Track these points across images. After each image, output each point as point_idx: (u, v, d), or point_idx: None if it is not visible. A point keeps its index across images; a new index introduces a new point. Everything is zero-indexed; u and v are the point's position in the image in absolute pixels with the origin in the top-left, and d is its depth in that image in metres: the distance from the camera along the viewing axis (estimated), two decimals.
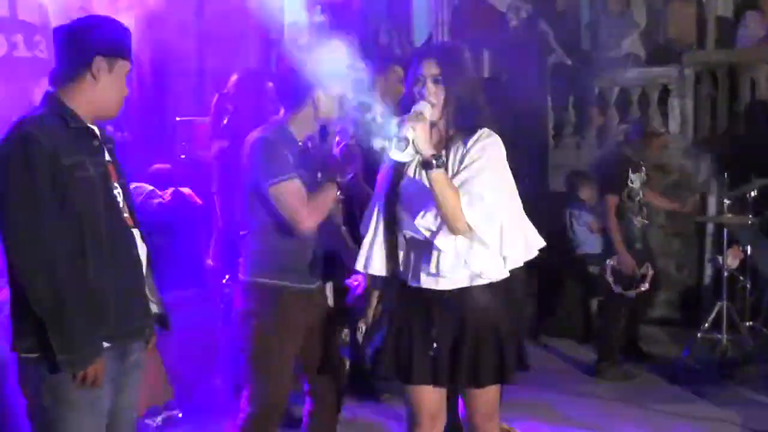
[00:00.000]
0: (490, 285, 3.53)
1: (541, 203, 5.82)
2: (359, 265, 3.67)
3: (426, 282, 3.53)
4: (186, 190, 6.73)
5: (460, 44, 3.63)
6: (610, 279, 7.08)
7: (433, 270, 3.47)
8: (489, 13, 10.58)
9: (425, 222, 3.42)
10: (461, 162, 3.44)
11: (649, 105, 9.47)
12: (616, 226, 7.02)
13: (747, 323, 7.38)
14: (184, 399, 6.01)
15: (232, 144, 5.08)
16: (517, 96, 7.86)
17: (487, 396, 3.62)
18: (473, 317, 3.52)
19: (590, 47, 10.42)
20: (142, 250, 3.23)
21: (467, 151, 3.44)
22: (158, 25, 11.14)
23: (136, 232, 3.22)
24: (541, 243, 3.61)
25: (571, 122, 9.97)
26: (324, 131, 4.20)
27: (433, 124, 3.50)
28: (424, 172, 3.39)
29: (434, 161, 3.29)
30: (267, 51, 12.92)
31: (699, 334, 7.30)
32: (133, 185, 6.71)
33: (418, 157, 3.41)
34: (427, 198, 3.39)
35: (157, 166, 7.25)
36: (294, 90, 4.03)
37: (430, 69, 3.47)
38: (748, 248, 7.44)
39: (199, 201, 6.56)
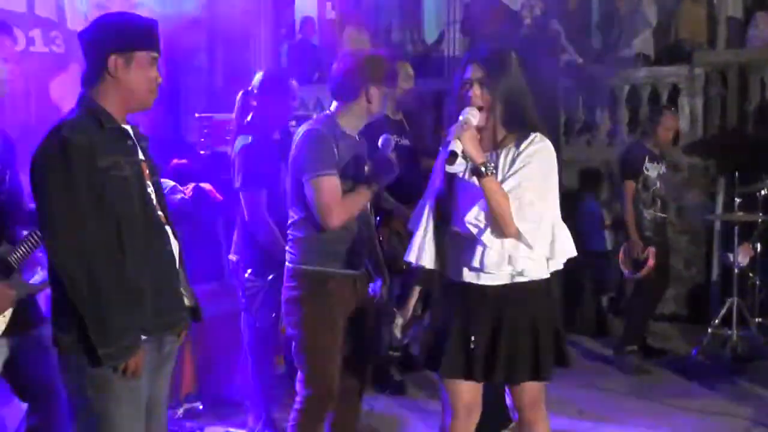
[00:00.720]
0: (530, 283, 3.60)
1: None
2: (411, 257, 3.75)
3: (467, 276, 3.61)
4: (206, 186, 6.80)
5: (507, 48, 3.66)
6: (620, 260, 7.24)
7: (476, 264, 3.54)
8: (502, 12, 10.66)
9: (474, 219, 3.50)
10: (512, 164, 3.51)
11: (659, 104, 9.53)
12: (631, 210, 7.17)
13: (757, 319, 7.45)
14: (204, 391, 6.11)
15: (255, 140, 5.17)
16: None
17: (530, 387, 3.70)
18: (511, 314, 3.59)
19: (601, 46, 10.48)
20: (175, 246, 3.31)
21: (518, 155, 3.50)
22: (169, 21, 11.25)
23: (169, 228, 3.30)
24: (574, 252, 3.68)
25: (581, 120, 10.05)
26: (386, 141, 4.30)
27: (482, 128, 3.56)
28: (474, 178, 3.46)
29: (484, 169, 3.39)
30: (277, 47, 13.01)
31: (709, 330, 7.38)
32: None
33: (468, 164, 3.48)
34: (477, 196, 3.48)
35: (176, 161, 7.31)
36: (348, 83, 4.17)
37: (476, 72, 3.53)
38: (758, 246, 7.51)
39: (219, 196, 6.63)
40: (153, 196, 3.25)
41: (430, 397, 6.05)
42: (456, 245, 3.65)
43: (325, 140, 4.08)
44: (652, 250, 7.11)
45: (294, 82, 5.40)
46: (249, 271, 5.23)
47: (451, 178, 3.61)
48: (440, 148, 3.59)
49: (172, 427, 5.07)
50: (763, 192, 7.37)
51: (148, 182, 3.24)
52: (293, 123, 7.05)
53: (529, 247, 3.48)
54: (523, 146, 3.51)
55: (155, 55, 3.21)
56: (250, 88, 5.38)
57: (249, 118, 5.31)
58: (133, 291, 3.09)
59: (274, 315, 5.29)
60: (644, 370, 7.11)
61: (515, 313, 3.58)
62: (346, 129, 4.20)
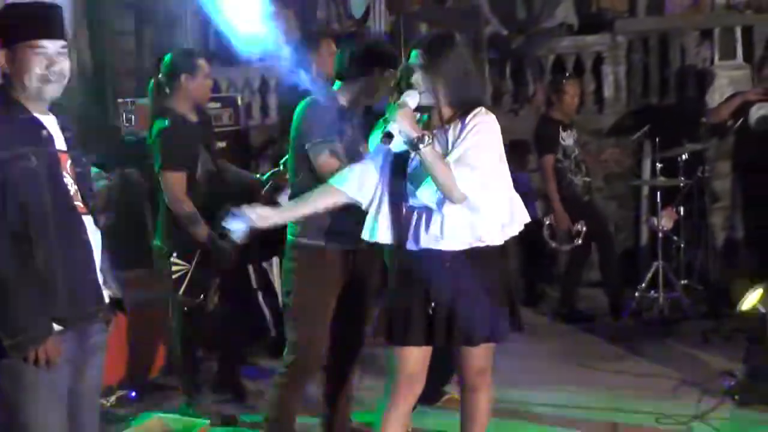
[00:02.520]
0: (487, 248, 3.72)
1: None
2: (365, 235, 3.88)
3: (426, 242, 3.71)
4: (131, 171, 6.74)
5: (451, 31, 3.83)
6: (547, 234, 7.34)
7: (436, 233, 3.68)
8: None
9: (429, 193, 3.64)
10: (458, 137, 3.65)
11: (584, 72, 9.63)
12: (554, 183, 7.36)
13: (682, 282, 7.58)
14: (139, 378, 6.07)
15: (171, 122, 5.14)
16: None
17: (481, 352, 3.85)
18: (469, 278, 3.70)
19: (525, 17, 10.50)
20: (94, 236, 3.27)
21: (464, 127, 3.64)
22: (96, 4, 11.08)
23: (88, 218, 3.25)
24: (528, 217, 3.86)
25: (508, 91, 10.10)
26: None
27: (429, 108, 3.73)
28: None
29: (418, 142, 3.52)
30: (206, 26, 12.87)
31: (636, 294, 7.49)
32: None
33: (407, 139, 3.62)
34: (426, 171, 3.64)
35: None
36: (350, 63, 4.30)
37: (418, 58, 3.69)
38: (681, 209, 7.63)
39: (143, 181, 6.58)
40: (71, 186, 3.20)
41: None
42: (412, 217, 3.77)
43: (327, 110, 4.26)
44: (581, 223, 7.24)
45: (202, 61, 5.36)
46: (174, 254, 5.21)
47: (401, 154, 3.75)
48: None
49: (105, 416, 5.03)
50: (684, 156, 7.48)
51: (66, 173, 3.19)
52: (212, 105, 7.03)
53: (476, 210, 3.60)
54: (467, 119, 3.66)
55: (42, 43, 3.10)
56: (159, 75, 5.33)
57: (164, 102, 5.27)
58: (42, 281, 3.05)
59: (201, 297, 5.30)
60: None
61: (473, 277, 3.69)
62: (347, 106, 4.35)
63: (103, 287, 3.32)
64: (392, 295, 3.88)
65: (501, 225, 3.73)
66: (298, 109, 4.34)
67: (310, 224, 4.26)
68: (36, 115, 3.16)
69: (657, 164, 7.55)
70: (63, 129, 3.24)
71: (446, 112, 3.73)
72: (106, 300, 3.35)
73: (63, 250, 3.11)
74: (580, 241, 7.33)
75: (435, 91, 3.69)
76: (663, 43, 9.43)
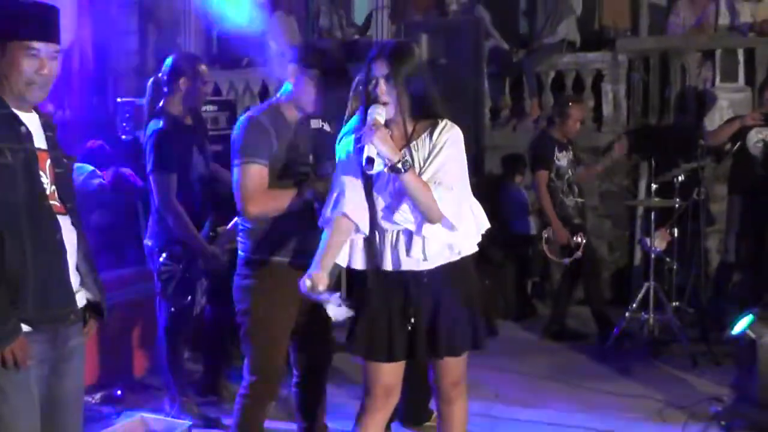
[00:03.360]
0: (462, 261, 3.76)
1: (477, 185, 5.94)
2: (341, 261, 3.81)
3: (407, 265, 3.71)
4: (126, 171, 6.73)
5: (409, 42, 3.83)
6: (545, 248, 7.33)
7: (419, 256, 3.68)
8: None
9: (406, 215, 3.63)
10: (429, 154, 3.62)
11: (583, 89, 9.63)
12: (548, 198, 7.32)
13: (673, 303, 7.54)
14: (124, 377, 6.06)
15: (165, 124, 5.13)
16: (454, 79, 7.94)
17: (458, 363, 3.86)
18: (449, 291, 3.74)
19: (528, 33, 10.54)
20: (70, 236, 3.20)
21: (433, 145, 3.62)
22: (100, 2, 11.10)
23: (64, 219, 3.18)
24: (487, 224, 3.87)
25: (507, 105, 10.10)
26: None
27: (391, 121, 3.66)
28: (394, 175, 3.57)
29: (401, 166, 3.49)
30: (208, 29, 12.88)
31: (627, 314, 7.45)
32: (75, 165, 6.72)
33: (386, 162, 3.55)
34: (401, 191, 3.60)
35: (90, 143, 7.24)
36: (284, 69, 4.23)
37: (381, 69, 3.60)
38: (675, 231, 7.61)
39: (139, 181, 6.57)
40: (48, 185, 3.13)
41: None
42: (389, 240, 3.73)
43: (259, 127, 4.10)
44: (581, 235, 7.24)
45: (204, 67, 5.37)
46: (163, 255, 5.20)
47: (369, 177, 3.68)
48: (353, 151, 3.68)
49: (89, 414, 5.01)
50: (680, 178, 7.46)
51: (44, 172, 3.12)
52: (210, 108, 7.04)
53: (453, 229, 3.62)
54: (435, 135, 3.63)
55: (35, 45, 3.05)
56: (160, 74, 5.33)
57: (161, 103, 5.27)
58: (11, 280, 2.99)
59: (189, 299, 5.28)
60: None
61: (451, 288, 3.73)
62: (288, 116, 4.21)
63: (80, 289, 3.26)
64: (369, 312, 3.80)
65: (471, 235, 3.79)
66: (236, 125, 4.23)
67: (263, 239, 4.20)
68: (16, 112, 3.10)
69: (652, 185, 7.51)
70: (45, 128, 3.18)
71: (410, 125, 3.68)
72: (82, 302, 3.27)
73: (34, 249, 3.05)
74: (580, 254, 7.30)
75: (400, 103, 3.62)
76: (664, 63, 9.44)
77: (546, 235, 7.40)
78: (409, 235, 3.68)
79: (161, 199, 5.09)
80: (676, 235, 7.63)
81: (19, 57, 3.04)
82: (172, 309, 5.29)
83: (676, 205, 7.47)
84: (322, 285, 3.65)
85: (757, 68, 8.99)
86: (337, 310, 3.72)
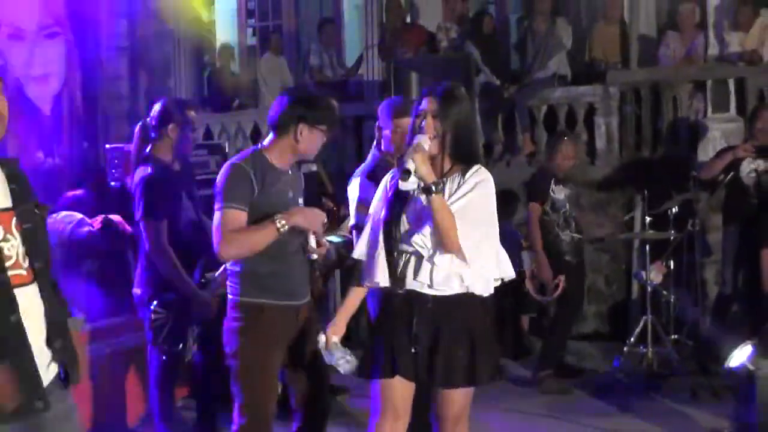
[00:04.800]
0: (467, 296, 3.88)
1: None
2: (370, 281, 4.01)
3: (414, 286, 3.89)
4: (116, 218, 6.75)
5: (460, 85, 4.02)
6: (528, 282, 7.34)
7: (424, 280, 3.86)
8: (418, 34, 10.74)
9: (424, 239, 3.83)
10: (457, 190, 3.84)
11: (576, 123, 9.68)
12: (538, 231, 7.27)
13: (672, 336, 7.56)
14: (118, 426, 6.05)
15: (154, 171, 5.16)
16: None
17: (458, 398, 3.95)
18: (450, 322, 3.87)
19: (518, 68, 10.61)
20: (35, 310, 2.89)
21: (464, 182, 3.86)
22: (90, 47, 11.17)
23: (28, 289, 2.87)
24: (512, 274, 4.05)
25: (500, 141, 10.14)
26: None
27: (434, 157, 3.88)
28: (424, 196, 3.79)
29: (434, 187, 3.73)
30: (199, 74, 12.96)
31: (625, 348, 7.47)
32: (63, 213, 6.75)
33: (420, 183, 3.79)
34: (426, 218, 3.81)
35: (71, 192, 7.29)
36: (279, 116, 4.30)
37: (431, 104, 3.87)
38: (671, 263, 7.63)
39: (128, 228, 6.59)
40: (14, 247, 2.84)
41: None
42: (403, 262, 3.92)
43: (240, 173, 4.20)
44: (561, 278, 7.19)
45: (193, 112, 5.41)
46: (154, 303, 5.21)
47: (402, 199, 3.91)
48: (394, 172, 4.00)
49: None
50: (674, 209, 7.49)
51: (7, 232, 2.83)
52: (199, 152, 7.08)
53: (466, 262, 3.79)
54: (468, 175, 3.87)
55: None
56: (148, 118, 5.37)
57: (149, 149, 5.30)
58: None
59: (180, 346, 5.28)
60: (563, 390, 7.15)
61: (454, 321, 3.87)
62: (275, 162, 4.31)
63: (56, 357, 2.95)
64: (377, 333, 4.02)
65: (488, 279, 3.91)
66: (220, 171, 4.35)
67: (253, 282, 4.28)
68: None
69: (646, 217, 7.55)
70: (10, 179, 2.89)
71: (447, 163, 3.92)
72: (52, 376, 2.94)
73: None
74: (554, 296, 7.29)
75: (443, 141, 3.87)
76: (656, 95, 9.52)
77: (531, 269, 7.40)
78: (420, 259, 3.86)
79: (152, 245, 5.11)
80: (672, 267, 7.67)
81: None
82: (164, 357, 5.29)
83: (671, 237, 7.50)
84: (337, 336, 4.00)
85: (748, 98, 9.04)
86: (347, 366, 4.01)
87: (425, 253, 3.84)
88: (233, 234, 4.15)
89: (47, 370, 2.91)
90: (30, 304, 2.85)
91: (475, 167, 3.88)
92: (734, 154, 7.43)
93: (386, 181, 4.08)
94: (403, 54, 10.24)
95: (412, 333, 3.89)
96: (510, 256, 8.48)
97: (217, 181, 4.28)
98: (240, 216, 4.18)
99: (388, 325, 3.98)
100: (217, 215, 4.20)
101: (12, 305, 2.77)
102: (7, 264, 2.79)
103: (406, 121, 4.34)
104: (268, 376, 4.32)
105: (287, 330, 4.36)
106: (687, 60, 9.66)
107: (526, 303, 8.70)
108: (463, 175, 3.87)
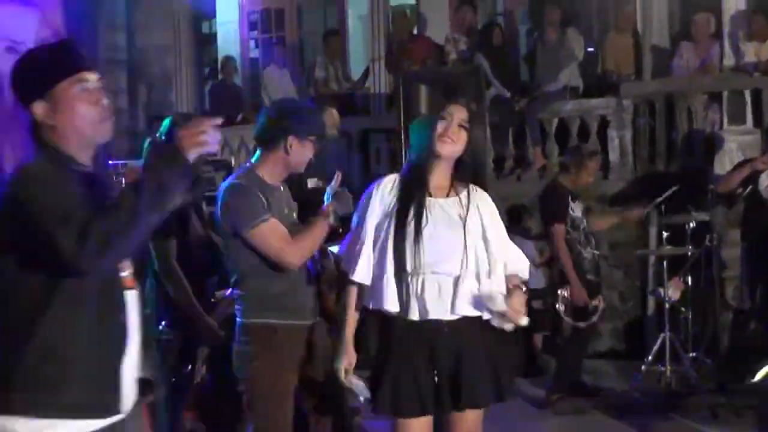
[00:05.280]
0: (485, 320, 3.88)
1: None
2: (374, 304, 3.92)
3: (435, 313, 3.82)
4: None
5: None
6: (561, 309, 7.26)
7: (447, 306, 3.81)
8: (425, 46, 10.80)
9: (452, 266, 3.81)
10: (467, 210, 3.88)
11: (588, 136, 9.72)
12: (568, 255, 7.16)
13: (690, 354, 7.56)
14: None
15: None
16: None
17: (474, 418, 3.92)
18: (472, 343, 3.85)
19: (529, 80, 10.65)
20: (136, 316, 2.96)
21: (471, 201, 3.91)
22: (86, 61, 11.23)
23: (133, 294, 2.94)
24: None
25: (511, 155, 10.19)
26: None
27: (446, 160, 3.87)
28: (445, 219, 3.84)
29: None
30: (200, 87, 13.04)
31: (643, 367, 7.47)
32: None
33: (434, 201, 3.85)
34: (450, 242, 3.80)
35: None
36: (266, 132, 4.31)
37: (460, 112, 3.84)
38: (689, 279, 7.64)
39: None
40: None
41: None
42: (419, 285, 3.83)
43: (249, 190, 4.18)
44: (601, 298, 7.19)
45: None
46: (163, 323, 5.23)
47: (418, 221, 3.84)
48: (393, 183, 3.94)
49: None
50: (691, 224, 7.50)
51: None
52: (205, 168, 7.09)
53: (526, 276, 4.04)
54: (473, 193, 3.93)
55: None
56: (158, 134, 5.39)
57: None
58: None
59: (189, 367, 5.31)
60: (578, 410, 7.16)
61: (474, 341, 3.85)
62: (267, 179, 4.29)
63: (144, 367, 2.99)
64: (394, 365, 3.88)
65: (504, 296, 3.87)
66: (221, 196, 4.28)
67: (258, 304, 4.27)
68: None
69: (663, 232, 7.56)
70: None
71: (451, 175, 3.91)
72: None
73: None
74: (596, 318, 7.25)
75: (465, 151, 3.88)
76: (670, 107, 9.55)
77: (562, 294, 7.31)
78: (442, 283, 3.82)
79: (160, 264, 5.12)
80: (689, 283, 7.67)
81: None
82: (173, 378, 5.31)
83: (689, 253, 7.52)
84: (352, 365, 3.97)
85: (764, 110, 9.10)
86: (364, 392, 3.98)
87: (453, 278, 3.82)
88: (291, 243, 4.14)
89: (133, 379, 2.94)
90: (133, 309, 2.90)
91: (472, 186, 3.92)
92: (752, 166, 7.46)
93: (383, 194, 3.96)
94: (409, 66, 10.29)
95: (431, 361, 3.84)
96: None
97: (226, 205, 4.22)
98: (276, 224, 4.14)
99: (403, 355, 3.88)
100: (251, 237, 4.12)
101: (120, 304, 2.83)
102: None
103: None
104: (284, 402, 4.28)
105: (299, 351, 4.33)
106: (702, 71, 9.71)
107: (540, 321, 8.71)
108: (467, 192, 3.91)
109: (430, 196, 3.88)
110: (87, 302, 2.73)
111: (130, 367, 2.87)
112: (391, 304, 3.86)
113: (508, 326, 3.82)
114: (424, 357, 3.84)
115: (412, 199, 3.87)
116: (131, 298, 2.88)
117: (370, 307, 3.97)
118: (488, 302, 3.77)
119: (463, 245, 3.83)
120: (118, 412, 2.84)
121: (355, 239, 3.99)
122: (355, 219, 4.06)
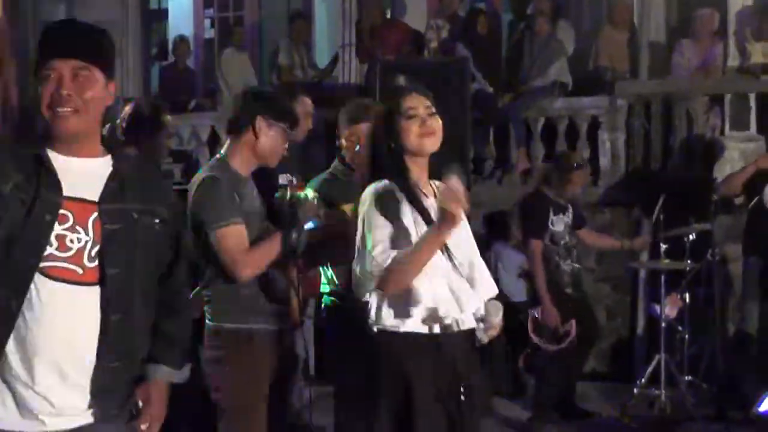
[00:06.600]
0: None
1: None
2: (392, 322, 3.75)
3: (465, 323, 3.80)
4: None
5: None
6: (531, 329, 7.30)
7: (472, 314, 3.81)
8: (401, 32, 10.78)
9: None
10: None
11: (578, 138, 9.76)
12: (542, 274, 7.24)
13: (686, 378, 7.61)
14: None
15: None
16: None
17: None
18: (470, 354, 3.86)
19: (513, 74, 10.64)
20: (83, 314, 3.02)
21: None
22: (21, 36, 11.11)
23: (87, 290, 3.00)
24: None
25: (492, 155, 10.20)
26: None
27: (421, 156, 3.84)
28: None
29: None
30: (147, 69, 12.93)
31: (636, 390, 7.51)
32: None
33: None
34: (468, 245, 3.84)
35: None
36: (235, 118, 4.38)
37: (423, 101, 3.81)
38: (687, 296, 7.69)
39: None
40: (84, 243, 2.97)
41: None
42: (447, 294, 3.77)
43: (222, 186, 4.20)
44: (573, 323, 7.21)
45: (168, 117, 5.42)
46: None
47: None
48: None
49: None
50: (690, 237, 7.54)
51: (81, 227, 2.97)
52: (169, 160, 7.06)
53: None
54: (438, 186, 3.83)
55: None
56: (117, 121, 5.34)
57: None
58: None
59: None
60: None
61: (472, 353, 3.87)
62: (239, 170, 4.33)
63: (116, 381, 3.06)
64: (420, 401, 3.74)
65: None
66: (194, 189, 4.30)
67: (229, 306, 4.29)
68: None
69: (660, 244, 7.60)
70: (113, 176, 3.05)
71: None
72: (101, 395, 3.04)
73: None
74: (565, 344, 7.28)
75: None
76: (667, 109, 9.57)
77: (533, 315, 7.35)
78: (465, 293, 3.79)
79: None
80: (687, 300, 7.72)
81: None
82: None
83: (687, 268, 7.57)
84: None
85: None
86: None
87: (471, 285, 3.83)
88: (247, 255, 4.16)
89: (84, 385, 2.98)
90: (75, 306, 2.94)
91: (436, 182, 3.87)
92: (757, 164, 7.53)
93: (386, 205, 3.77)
94: (383, 53, 10.28)
95: (454, 378, 3.75)
96: (506, 284, 8.55)
97: (197, 199, 4.24)
98: (240, 231, 4.18)
99: (426, 374, 3.74)
100: (214, 236, 4.14)
101: (18, 291, 2.88)
102: (60, 254, 2.91)
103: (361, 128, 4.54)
104: (257, 408, 4.30)
105: (273, 358, 4.36)
106: (703, 71, 9.78)
107: (520, 336, 8.73)
108: (433, 185, 3.89)
109: (426, 197, 3.83)
110: None
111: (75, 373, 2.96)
112: (416, 323, 3.73)
113: (485, 339, 3.83)
114: (445, 374, 3.76)
115: (422, 203, 3.79)
116: (73, 293, 2.94)
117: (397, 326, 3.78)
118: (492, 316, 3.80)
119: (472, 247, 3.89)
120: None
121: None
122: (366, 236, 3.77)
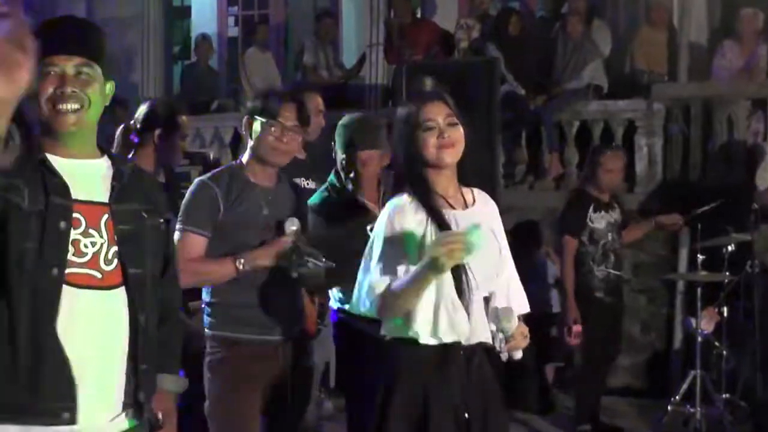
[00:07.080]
0: None
1: None
2: (427, 335, 3.72)
3: (477, 335, 3.73)
4: None
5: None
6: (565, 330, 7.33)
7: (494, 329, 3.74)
8: (430, 32, 10.77)
9: (492, 284, 3.80)
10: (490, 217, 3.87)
11: (613, 143, 9.68)
12: (571, 273, 7.23)
13: (723, 395, 7.54)
14: None
15: None
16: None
17: None
18: (484, 370, 3.79)
19: (547, 75, 10.59)
20: (111, 316, 3.09)
21: (489, 211, 3.92)
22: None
23: (106, 295, 3.06)
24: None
25: (523, 160, 10.16)
26: None
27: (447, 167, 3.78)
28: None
29: None
30: (169, 69, 12.97)
31: (669, 407, 7.45)
32: None
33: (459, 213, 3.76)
34: (492, 257, 3.78)
35: None
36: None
37: (442, 110, 3.74)
38: (725, 310, 7.61)
39: None
40: (100, 245, 3.00)
41: None
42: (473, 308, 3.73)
43: (207, 193, 4.27)
44: (577, 329, 7.18)
45: (184, 118, 5.42)
46: None
47: None
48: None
49: None
50: (729, 248, 7.47)
51: (94, 229, 3.01)
52: (185, 162, 7.06)
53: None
54: (479, 198, 3.90)
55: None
56: (132, 121, 5.36)
57: (130, 155, 5.29)
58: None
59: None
60: None
61: (487, 368, 3.80)
62: (253, 177, 4.35)
63: (140, 382, 3.09)
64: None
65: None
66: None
67: (222, 314, 4.32)
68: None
69: (698, 255, 7.52)
70: (116, 176, 3.09)
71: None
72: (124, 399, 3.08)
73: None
74: (576, 341, 7.27)
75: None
76: (707, 113, 9.50)
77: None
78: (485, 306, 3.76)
79: None
80: (725, 314, 7.64)
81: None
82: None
83: (725, 280, 7.49)
84: None
85: None
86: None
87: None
88: (190, 263, 4.16)
89: (114, 388, 3.02)
90: (101, 310, 2.99)
91: (473, 187, 3.89)
92: None
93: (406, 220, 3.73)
94: (411, 55, 10.27)
95: (461, 396, 3.71)
96: (536, 294, 8.51)
97: (185, 197, 4.39)
98: (197, 242, 4.25)
99: (440, 385, 3.71)
100: (176, 235, 4.20)
101: (52, 310, 2.89)
102: (78, 260, 2.94)
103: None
104: (237, 421, 4.30)
105: (265, 371, 4.32)
106: (746, 74, 9.69)
107: (551, 349, 8.68)
108: (472, 195, 3.88)
109: (453, 208, 3.78)
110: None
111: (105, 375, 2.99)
112: (447, 334, 3.69)
113: (505, 355, 3.76)
114: (457, 396, 3.72)
115: (442, 217, 3.72)
116: (96, 298, 2.97)
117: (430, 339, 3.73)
118: (504, 323, 3.72)
119: (498, 260, 3.84)
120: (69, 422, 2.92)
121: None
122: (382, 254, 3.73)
